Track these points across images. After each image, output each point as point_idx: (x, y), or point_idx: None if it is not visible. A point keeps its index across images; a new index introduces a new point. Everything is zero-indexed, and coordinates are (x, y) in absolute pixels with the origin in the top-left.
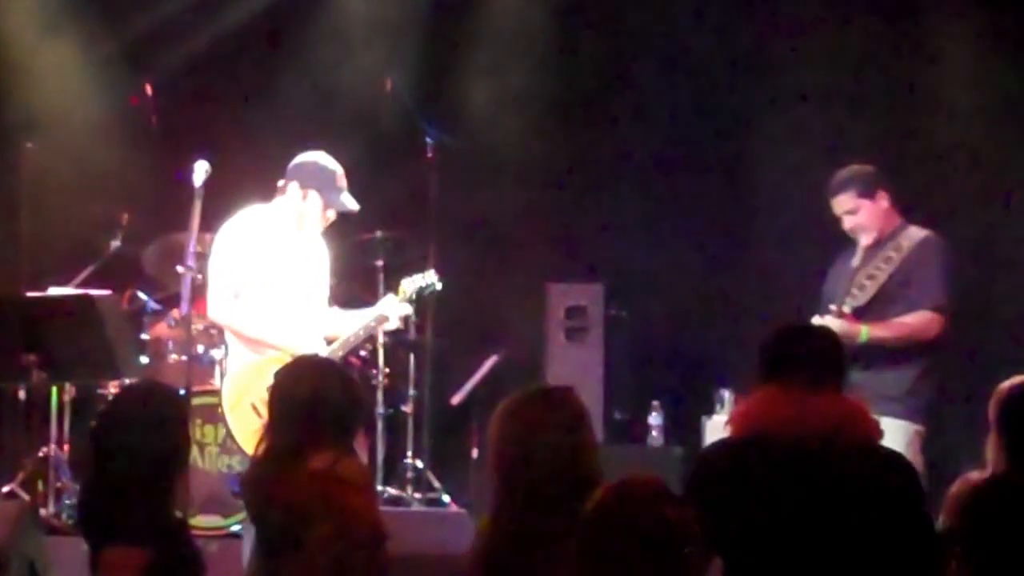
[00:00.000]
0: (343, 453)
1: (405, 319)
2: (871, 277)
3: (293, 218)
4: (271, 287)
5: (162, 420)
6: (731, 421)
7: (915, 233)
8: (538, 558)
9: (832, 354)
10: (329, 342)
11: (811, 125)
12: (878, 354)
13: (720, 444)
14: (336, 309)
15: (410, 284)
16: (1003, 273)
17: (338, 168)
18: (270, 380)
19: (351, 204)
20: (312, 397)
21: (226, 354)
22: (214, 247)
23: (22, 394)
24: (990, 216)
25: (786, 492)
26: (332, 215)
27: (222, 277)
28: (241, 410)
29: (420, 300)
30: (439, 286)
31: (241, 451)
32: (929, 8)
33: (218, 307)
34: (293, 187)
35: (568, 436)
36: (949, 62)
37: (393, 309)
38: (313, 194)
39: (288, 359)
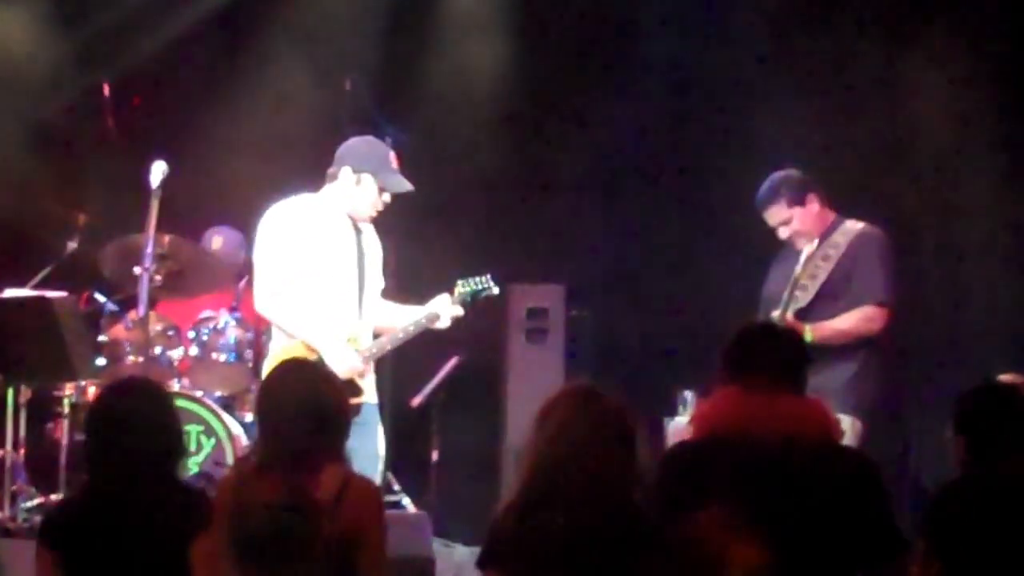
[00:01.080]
0: (342, 462)
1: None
2: (812, 277)
3: (346, 205)
4: (319, 279)
5: (159, 412)
6: (693, 422)
7: (851, 227)
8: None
9: (794, 354)
10: (376, 335)
11: (771, 126)
12: (817, 349)
13: (682, 446)
14: (388, 302)
15: (464, 286)
16: (969, 278)
17: (390, 149)
18: None
19: (407, 185)
20: (312, 401)
21: (269, 339)
22: (258, 236)
23: None
24: (955, 221)
25: (748, 493)
26: (387, 198)
27: (266, 269)
28: None
29: (475, 303)
30: (496, 290)
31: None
32: (896, 15)
33: (262, 300)
34: (345, 172)
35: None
36: (912, 66)
37: (445, 309)
38: (367, 177)
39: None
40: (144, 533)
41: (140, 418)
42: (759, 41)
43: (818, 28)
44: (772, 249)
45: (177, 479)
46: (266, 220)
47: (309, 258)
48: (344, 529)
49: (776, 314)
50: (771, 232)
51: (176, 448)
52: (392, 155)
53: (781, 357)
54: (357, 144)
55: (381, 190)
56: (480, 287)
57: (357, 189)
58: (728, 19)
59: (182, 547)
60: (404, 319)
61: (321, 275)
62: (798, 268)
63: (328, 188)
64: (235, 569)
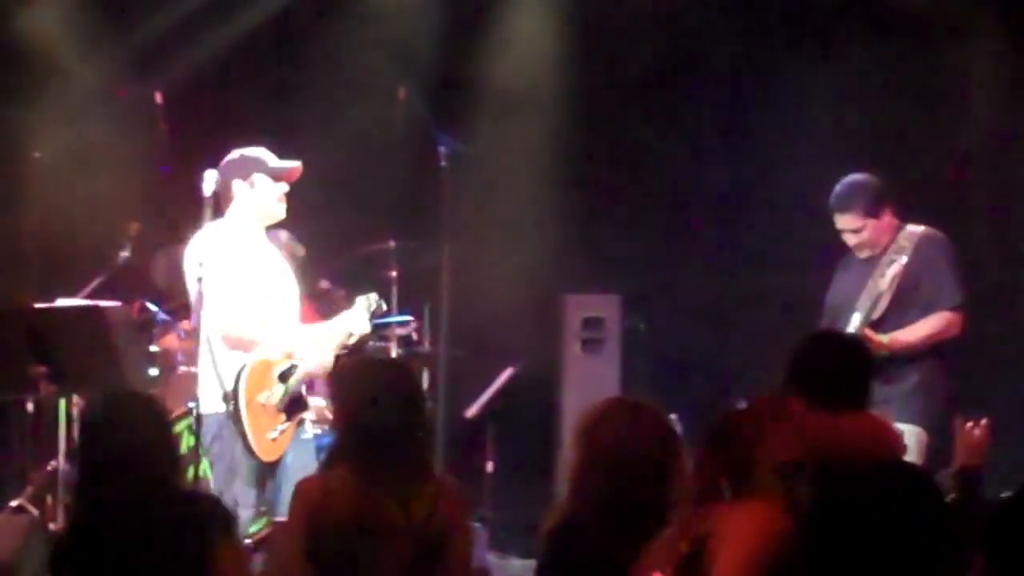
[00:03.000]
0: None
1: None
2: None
3: (256, 216)
4: (254, 295)
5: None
6: None
7: (912, 231)
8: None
9: (860, 369)
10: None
11: (829, 132)
12: (882, 358)
13: None
14: (305, 325)
15: (363, 302)
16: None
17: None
18: (273, 378)
19: (293, 161)
20: (405, 395)
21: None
22: (185, 270)
23: (30, 406)
24: (1012, 223)
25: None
26: (285, 187)
27: (219, 294)
28: (252, 410)
29: (373, 316)
30: (384, 307)
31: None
32: (948, 14)
33: (226, 323)
34: (237, 185)
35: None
36: (969, 65)
37: (356, 325)
38: (257, 176)
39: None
40: (157, 551)
41: (140, 435)
42: (820, 51)
43: (879, 32)
44: (832, 259)
45: (181, 491)
46: (187, 257)
47: (242, 278)
48: (435, 532)
49: (854, 327)
50: (832, 240)
51: (176, 460)
52: (264, 150)
53: (845, 371)
54: (227, 162)
55: (274, 180)
56: (371, 305)
57: (255, 192)
58: (783, 27)
59: (200, 559)
60: (325, 339)
61: (253, 293)
62: (883, 283)
63: (231, 210)
64: None
